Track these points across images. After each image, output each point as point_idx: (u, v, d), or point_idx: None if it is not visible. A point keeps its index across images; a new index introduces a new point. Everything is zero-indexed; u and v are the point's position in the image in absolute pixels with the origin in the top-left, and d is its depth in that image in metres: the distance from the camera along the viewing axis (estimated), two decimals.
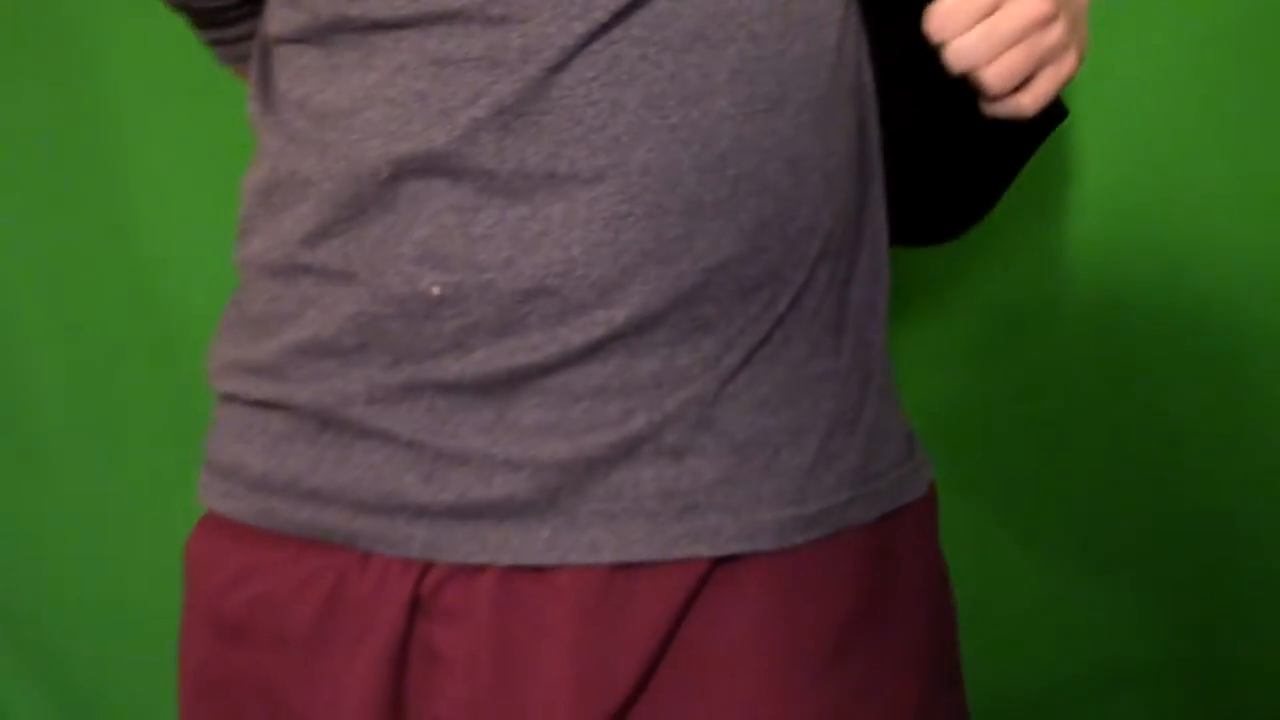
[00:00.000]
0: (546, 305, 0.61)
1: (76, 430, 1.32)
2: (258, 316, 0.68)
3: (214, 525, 0.71)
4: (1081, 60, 0.69)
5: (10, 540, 1.35)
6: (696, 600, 0.63)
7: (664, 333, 0.62)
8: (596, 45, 0.60)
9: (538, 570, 0.63)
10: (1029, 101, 0.67)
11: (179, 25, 0.84)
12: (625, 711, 0.63)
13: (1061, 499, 1.14)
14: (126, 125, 1.26)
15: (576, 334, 0.61)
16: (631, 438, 0.62)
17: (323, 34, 0.65)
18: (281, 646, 0.68)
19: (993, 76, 0.65)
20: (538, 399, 0.62)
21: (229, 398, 0.71)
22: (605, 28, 0.61)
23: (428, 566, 0.65)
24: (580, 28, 0.60)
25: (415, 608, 0.65)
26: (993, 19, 0.64)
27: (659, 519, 0.63)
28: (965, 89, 0.67)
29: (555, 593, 0.63)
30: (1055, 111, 0.73)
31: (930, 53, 0.66)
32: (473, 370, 0.62)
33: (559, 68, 0.60)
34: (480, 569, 0.64)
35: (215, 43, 0.83)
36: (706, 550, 0.63)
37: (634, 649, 0.63)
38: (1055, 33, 0.66)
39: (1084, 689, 1.16)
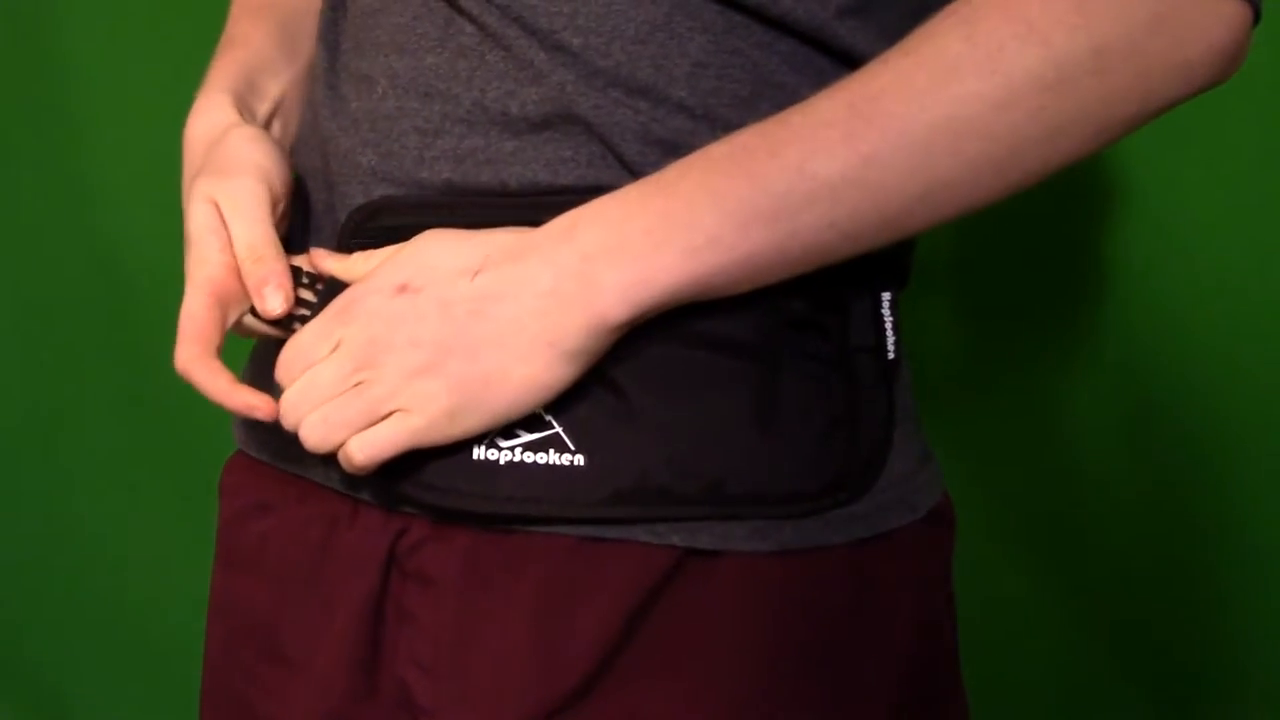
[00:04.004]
0: None
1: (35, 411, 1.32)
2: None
3: (239, 457, 0.75)
4: (451, 415, 0.59)
5: None
6: (667, 589, 0.62)
7: None
8: None
9: (507, 535, 0.62)
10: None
11: None
12: (586, 691, 0.61)
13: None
14: (82, 95, 1.25)
15: None
16: None
17: None
18: (279, 583, 0.70)
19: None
20: None
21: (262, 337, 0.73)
22: None
23: (406, 526, 0.65)
24: None
25: (392, 564, 0.66)
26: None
27: None
28: None
29: (523, 564, 0.62)
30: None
31: None
32: None
33: None
34: (452, 533, 0.63)
35: None
36: (679, 539, 0.61)
37: (597, 629, 0.61)
38: (369, 392, 0.59)
39: None
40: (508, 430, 0.61)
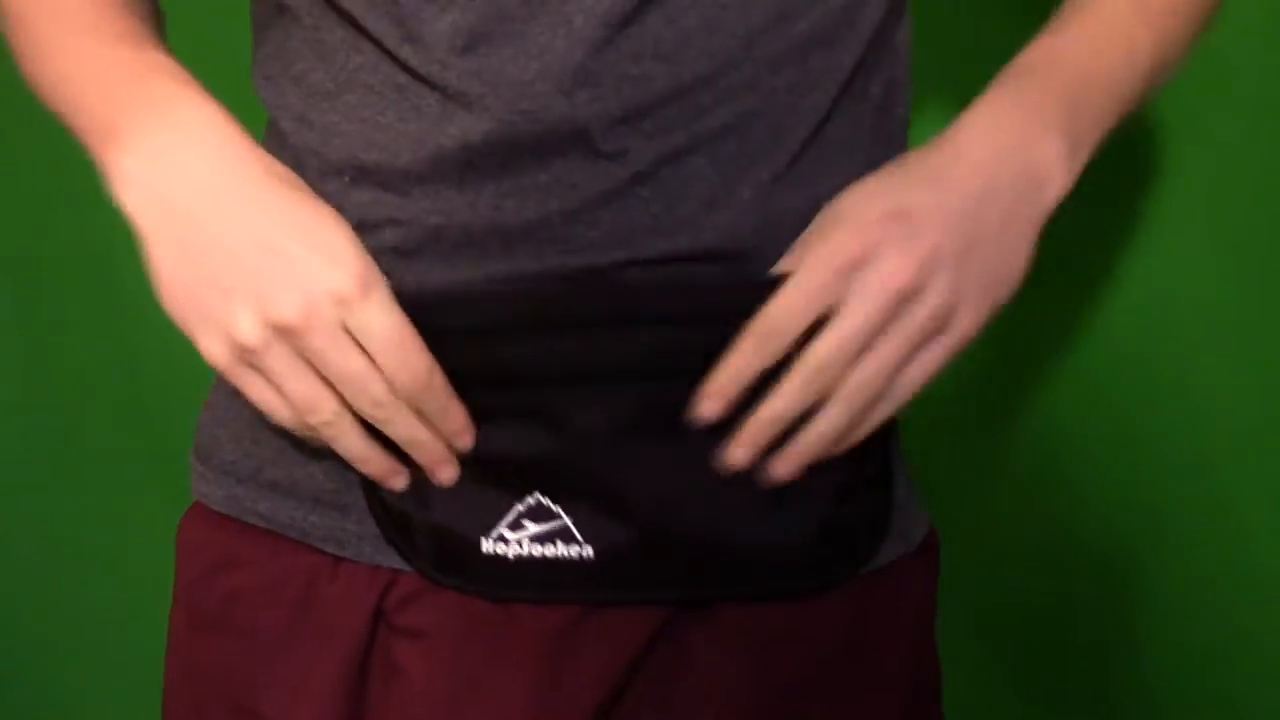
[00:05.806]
0: None
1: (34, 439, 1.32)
2: None
3: (200, 511, 0.71)
4: (989, 303, 0.59)
5: None
6: (659, 642, 0.62)
7: None
8: None
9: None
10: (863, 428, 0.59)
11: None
12: None
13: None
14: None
15: None
16: None
17: None
18: (250, 643, 0.68)
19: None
20: None
21: (219, 381, 0.70)
22: None
23: (393, 580, 0.64)
24: None
25: (379, 619, 0.65)
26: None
27: None
28: None
29: (516, 621, 0.62)
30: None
31: None
32: None
33: None
34: (442, 588, 0.63)
35: None
36: (674, 595, 0.62)
37: (592, 687, 0.61)
38: (920, 312, 0.57)
39: None
40: (515, 523, 0.61)
